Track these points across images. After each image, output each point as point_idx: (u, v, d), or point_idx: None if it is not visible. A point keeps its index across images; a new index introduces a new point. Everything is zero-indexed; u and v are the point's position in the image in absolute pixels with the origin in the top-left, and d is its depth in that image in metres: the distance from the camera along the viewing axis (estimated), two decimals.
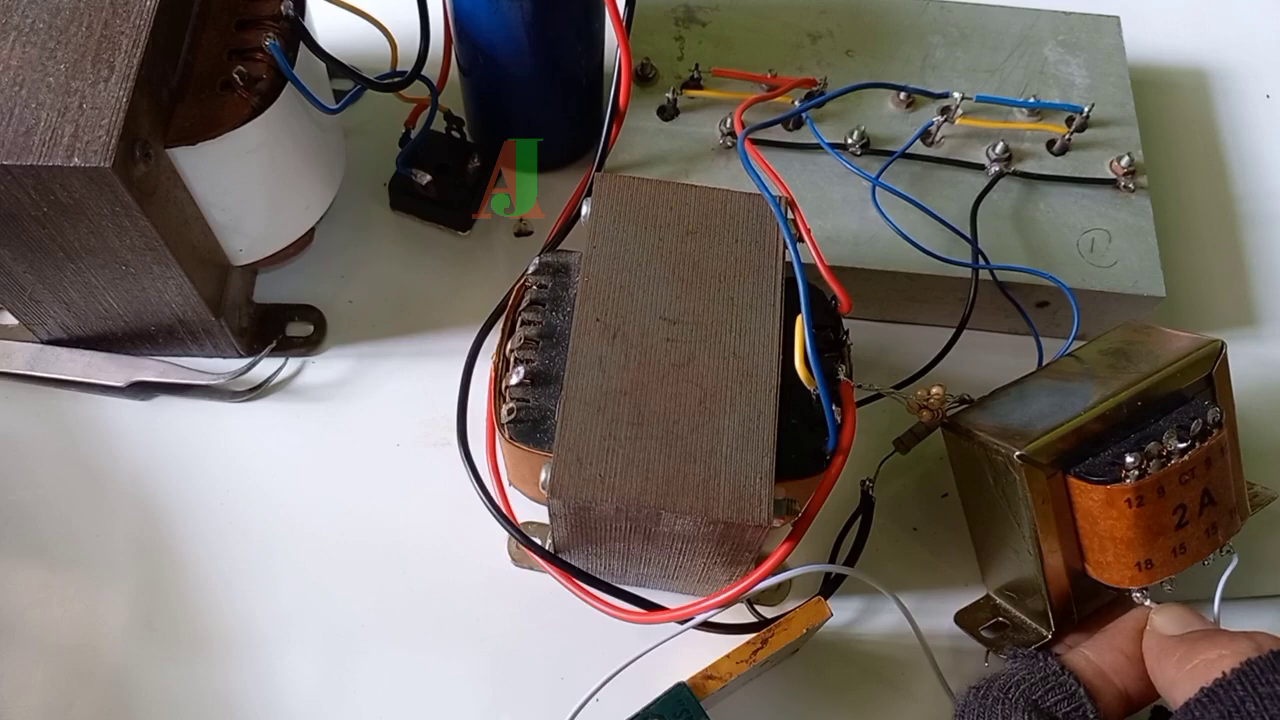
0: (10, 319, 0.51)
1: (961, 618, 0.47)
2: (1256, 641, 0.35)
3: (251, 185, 0.48)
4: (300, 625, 0.48)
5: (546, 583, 0.45)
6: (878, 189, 0.52)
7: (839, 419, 0.38)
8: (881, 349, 0.55)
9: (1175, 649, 0.37)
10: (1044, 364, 0.47)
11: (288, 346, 0.54)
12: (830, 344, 0.41)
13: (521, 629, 0.48)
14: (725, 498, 0.36)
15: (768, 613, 0.47)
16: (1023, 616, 0.45)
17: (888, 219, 0.51)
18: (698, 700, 0.38)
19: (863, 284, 0.52)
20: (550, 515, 0.38)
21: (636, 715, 0.38)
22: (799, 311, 0.37)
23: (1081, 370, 0.44)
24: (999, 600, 0.47)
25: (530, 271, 0.43)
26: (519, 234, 0.59)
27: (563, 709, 0.41)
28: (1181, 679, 0.35)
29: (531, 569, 0.48)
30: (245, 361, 0.53)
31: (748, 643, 0.40)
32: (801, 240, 0.41)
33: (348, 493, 0.51)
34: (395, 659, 0.47)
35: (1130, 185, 0.54)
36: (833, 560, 0.48)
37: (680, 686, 0.38)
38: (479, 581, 0.49)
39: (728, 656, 0.39)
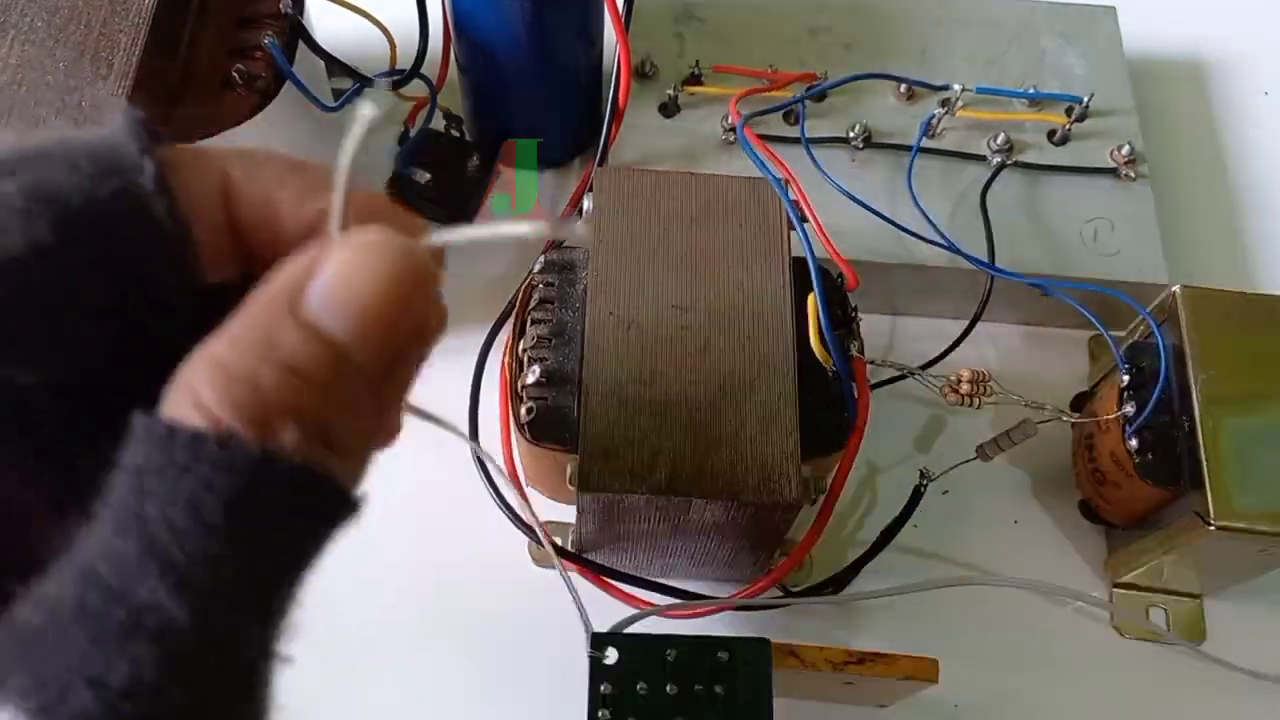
0: None
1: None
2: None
3: None
4: (300, 625, 0.47)
5: (553, 580, 0.45)
6: (864, 180, 0.52)
7: (855, 394, 0.38)
8: (888, 342, 0.55)
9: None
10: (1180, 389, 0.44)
11: None
12: (840, 321, 0.41)
13: (529, 628, 0.47)
14: (754, 480, 0.36)
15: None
16: None
17: (924, 213, 0.51)
18: (770, 661, 0.37)
19: (868, 277, 0.51)
20: (578, 511, 0.38)
21: (710, 637, 0.38)
22: (809, 291, 0.37)
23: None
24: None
25: (536, 270, 0.43)
26: None
27: (568, 709, 0.40)
28: None
29: (553, 569, 0.48)
30: None
31: (845, 650, 0.39)
32: (806, 220, 0.41)
33: None
34: (396, 659, 0.47)
35: (1131, 174, 0.54)
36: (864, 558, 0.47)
37: (764, 641, 0.38)
38: (482, 580, 0.48)
39: (820, 649, 0.39)
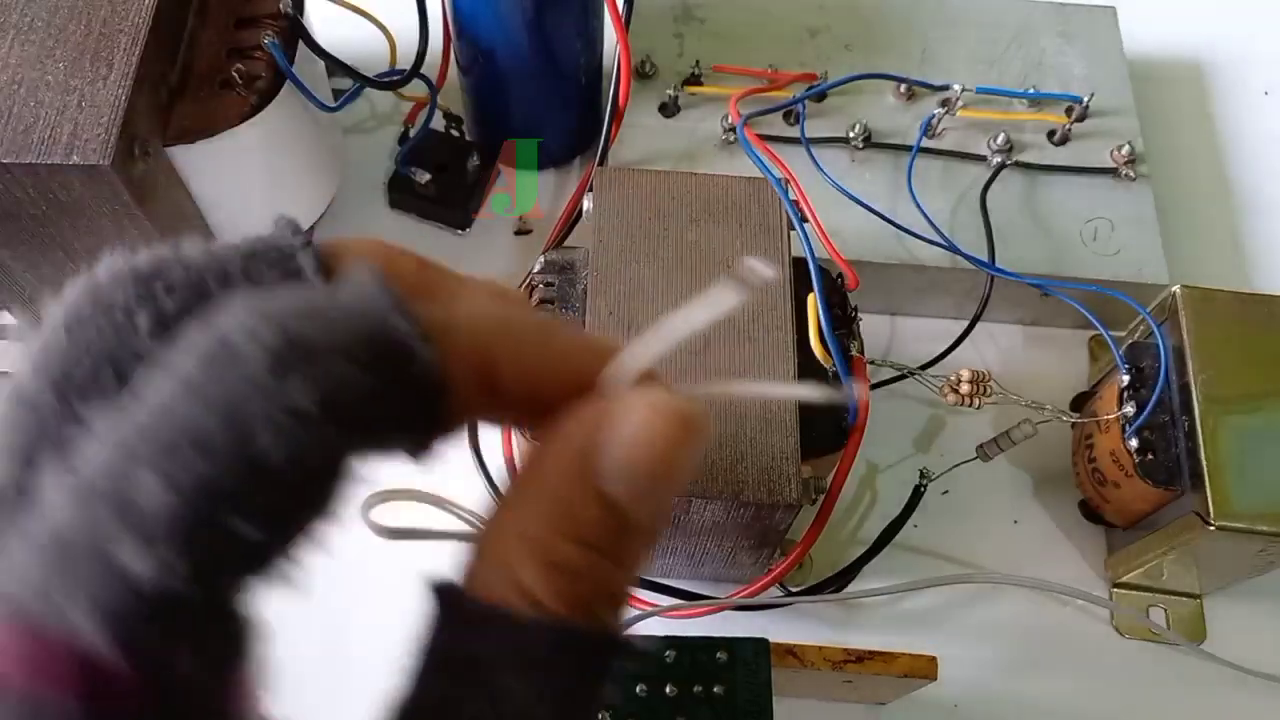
0: (10, 319, 0.50)
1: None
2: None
3: (250, 184, 0.47)
4: (300, 626, 0.47)
5: None
6: (860, 179, 0.52)
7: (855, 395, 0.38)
8: (888, 342, 0.55)
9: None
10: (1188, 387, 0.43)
11: None
12: (840, 321, 0.41)
13: None
14: (754, 480, 0.36)
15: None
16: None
17: (925, 213, 0.51)
18: (769, 661, 0.37)
19: (868, 277, 0.51)
20: None
21: (710, 637, 0.38)
22: (809, 291, 0.38)
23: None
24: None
25: (536, 270, 0.43)
26: (518, 233, 0.58)
27: None
28: None
29: None
30: None
31: (844, 649, 0.39)
32: (806, 220, 0.41)
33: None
34: (396, 659, 0.47)
35: (1131, 174, 0.54)
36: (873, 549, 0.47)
37: (763, 640, 0.38)
38: None
39: (819, 648, 0.39)
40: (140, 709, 0.16)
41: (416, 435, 0.20)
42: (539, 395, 0.21)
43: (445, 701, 0.18)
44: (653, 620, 0.40)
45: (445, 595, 0.20)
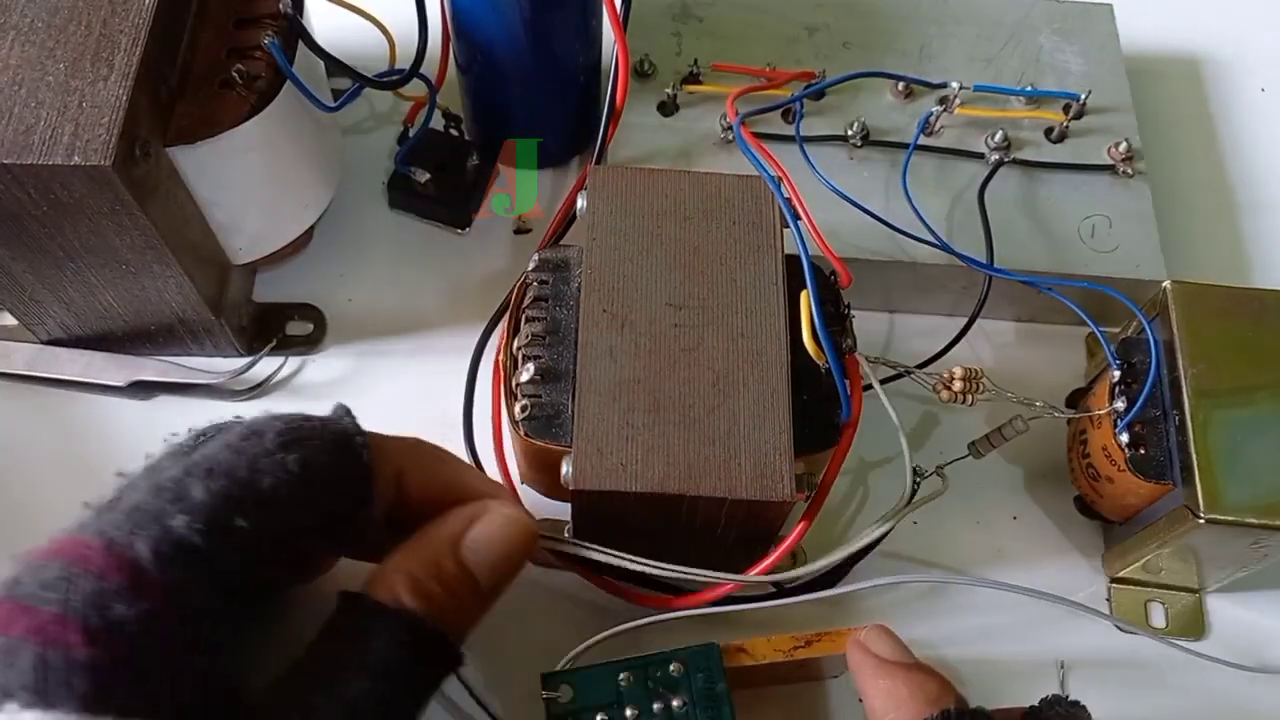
0: (10, 319, 0.50)
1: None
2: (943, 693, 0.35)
3: (251, 184, 0.48)
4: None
5: (550, 578, 0.45)
6: (863, 176, 0.52)
7: (848, 391, 0.39)
8: (884, 340, 0.55)
9: (882, 677, 0.37)
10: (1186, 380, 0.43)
11: (287, 345, 0.54)
12: (833, 318, 0.41)
13: (524, 624, 0.48)
14: (747, 477, 0.36)
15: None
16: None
17: (918, 212, 0.51)
18: (723, 663, 0.38)
19: (864, 274, 0.52)
20: (573, 509, 0.39)
21: (660, 653, 0.38)
22: (801, 288, 0.38)
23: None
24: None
25: (530, 269, 0.43)
26: (518, 232, 0.59)
27: None
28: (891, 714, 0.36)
29: (550, 567, 0.48)
30: (245, 360, 0.53)
31: (791, 636, 0.39)
32: (799, 218, 0.41)
33: None
34: None
35: (1129, 171, 0.54)
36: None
37: (712, 645, 0.38)
38: None
39: (768, 640, 0.39)
40: (161, 607, 0.27)
41: (355, 512, 0.33)
42: (430, 499, 0.35)
43: (318, 657, 0.30)
44: (632, 626, 0.41)
45: (349, 596, 0.32)
